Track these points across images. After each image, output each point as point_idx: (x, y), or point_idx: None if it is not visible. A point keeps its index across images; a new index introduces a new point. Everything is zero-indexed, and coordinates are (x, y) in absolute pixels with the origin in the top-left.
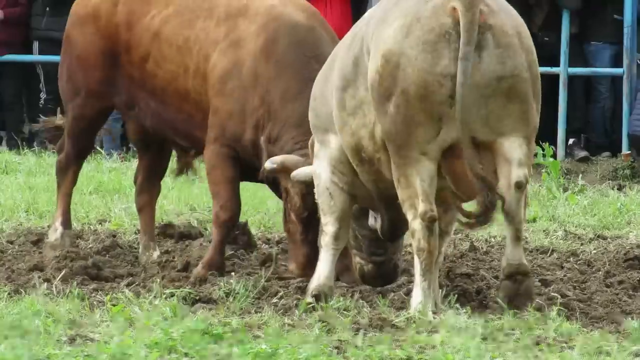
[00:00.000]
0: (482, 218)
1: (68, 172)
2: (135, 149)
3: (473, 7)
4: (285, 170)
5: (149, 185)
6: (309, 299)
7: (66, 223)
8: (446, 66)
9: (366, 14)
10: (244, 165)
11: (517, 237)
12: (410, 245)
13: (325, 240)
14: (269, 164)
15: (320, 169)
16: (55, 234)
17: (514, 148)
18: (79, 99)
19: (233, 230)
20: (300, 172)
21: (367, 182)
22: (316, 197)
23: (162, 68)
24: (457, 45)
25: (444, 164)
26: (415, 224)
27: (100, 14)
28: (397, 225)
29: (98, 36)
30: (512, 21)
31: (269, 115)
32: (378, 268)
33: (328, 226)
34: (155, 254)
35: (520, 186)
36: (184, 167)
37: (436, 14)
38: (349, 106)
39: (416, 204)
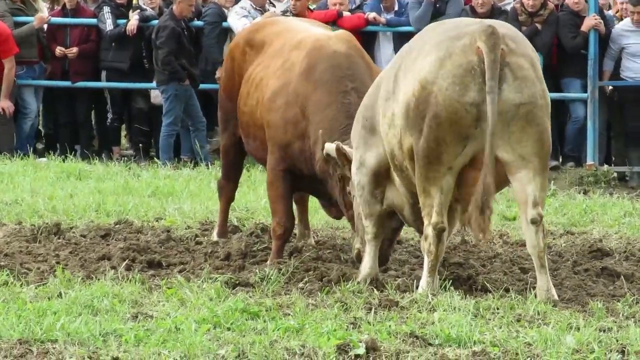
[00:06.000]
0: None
1: (223, 191)
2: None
3: (495, 49)
4: (340, 155)
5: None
6: (361, 283)
7: (221, 234)
8: (472, 96)
9: (410, 41)
10: (297, 176)
11: (541, 265)
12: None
13: (368, 238)
14: (328, 147)
15: (364, 182)
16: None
17: (528, 182)
18: (230, 126)
19: (289, 239)
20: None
21: (401, 186)
22: (359, 204)
23: (247, 105)
24: (480, 79)
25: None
26: (429, 230)
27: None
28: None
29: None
30: (527, 57)
31: (309, 123)
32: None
33: (369, 228)
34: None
35: (535, 222)
36: None
37: (464, 52)
38: (388, 116)
39: (431, 214)
